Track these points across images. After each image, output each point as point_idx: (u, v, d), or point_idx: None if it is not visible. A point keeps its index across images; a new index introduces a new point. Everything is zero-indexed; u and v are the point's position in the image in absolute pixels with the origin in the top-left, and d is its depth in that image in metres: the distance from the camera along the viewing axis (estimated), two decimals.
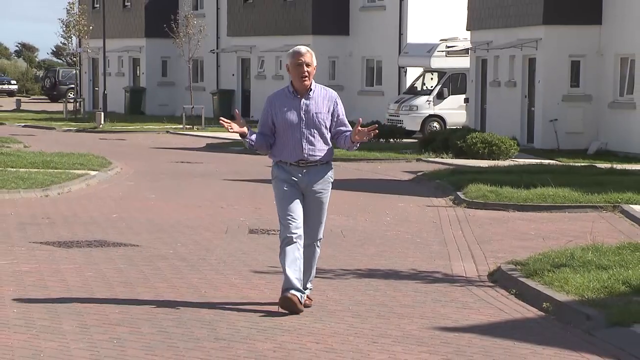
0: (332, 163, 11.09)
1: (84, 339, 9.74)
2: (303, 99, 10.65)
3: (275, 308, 10.86)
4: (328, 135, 10.76)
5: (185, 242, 16.15)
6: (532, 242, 16.62)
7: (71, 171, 26.23)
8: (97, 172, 26.68)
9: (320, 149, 10.70)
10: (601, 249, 14.06)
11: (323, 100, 10.70)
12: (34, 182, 23.20)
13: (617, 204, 20.85)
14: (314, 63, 10.58)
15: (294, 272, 10.53)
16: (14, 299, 11.51)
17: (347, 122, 10.90)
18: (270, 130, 10.73)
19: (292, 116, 10.63)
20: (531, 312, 11.56)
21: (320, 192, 10.80)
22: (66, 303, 11.38)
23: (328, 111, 10.72)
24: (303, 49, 10.59)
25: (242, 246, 15.72)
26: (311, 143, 10.64)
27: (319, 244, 11.06)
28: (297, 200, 10.68)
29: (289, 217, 10.60)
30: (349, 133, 10.76)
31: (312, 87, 10.67)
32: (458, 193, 22.98)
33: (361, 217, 18.94)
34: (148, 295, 11.90)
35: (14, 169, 25.97)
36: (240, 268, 13.83)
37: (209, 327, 10.34)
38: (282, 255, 10.61)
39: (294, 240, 10.56)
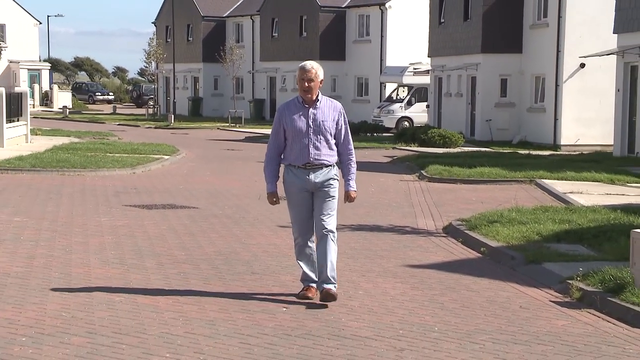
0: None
1: (160, 272, 9.77)
2: (311, 109, 8.54)
3: (289, 253, 10.74)
4: (333, 142, 8.62)
5: (231, 205, 16.16)
6: (473, 205, 16.63)
7: (151, 155, 26.30)
8: (169, 156, 26.73)
9: (325, 153, 8.56)
10: (521, 210, 14.09)
11: (329, 110, 8.60)
12: (125, 163, 23.27)
13: (533, 179, 20.88)
14: (319, 77, 8.55)
15: (309, 265, 8.64)
16: (112, 245, 11.55)
17: (350, 138, 8.79)
18: (282, 139, 8.59)
19: (301, 124, 8.51)
20: (473, 254, 11.57)
21: (327, 186, 8.58)
22: (148, 247, 11.41)
23: (333, 120, 8.58)
24: (308, 65, 8.58)
25: (271, 208, 15.66)
26: (317, 148, 8.53)
27: (332, 237, 8.56)
28: (306, 206, 8.64)
29: (299, 224, 8.64)
30: (349, 179, 8.83)
31: (319, 97, 8.59)
32: (422, 171, 23.00)
33: (342, 185, 18.90)
34: (205, 242, 11.92)
35: (111, 154, 26.05)
36: (269, 224, 13.84)
37: (247, 265, 10.35)
38: (296, 254, 8.76)
39: (303, 241, 8.66)
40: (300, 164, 8.55)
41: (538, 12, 36.27)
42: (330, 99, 8.75)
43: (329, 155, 8.62)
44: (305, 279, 8.69)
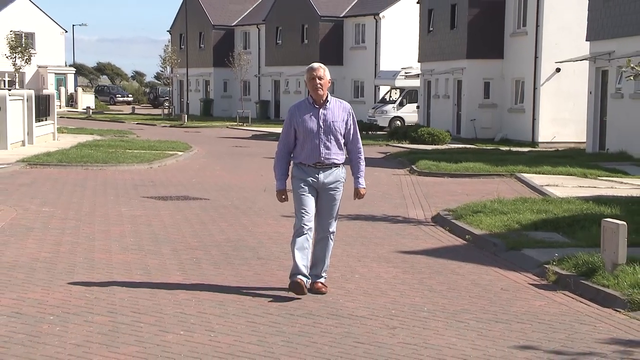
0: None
1: (175, 258, 9.78)
2: (321, 109, 8.00)
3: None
4: (342, 141, 8.10)
5: (238, 197, 16.16)
6: (459, 197, 16.64)
7: (166, 152, 26.30)
8: (182, 152, 26.72)
9: (335, 152, 8.04)
10: (503, 201, 14.09)
11: (339, 110, 8.06)
12: (142, 158, 23.26)
13: (513, 173, 20.88)
14: (327, 77, 8.08)
15: (302, 259, 7.93)
16: (131, 233, 11.56)
17: (359, 137, 8.25)
18: (292, 138, 8.10)
19: (312, 124, 7.96)
20: (458, 241, 11.58)
21: (334, 190, 8.11)
22: (164, 235, 11.42)
23: (343, 120, 8.04)
24: (316, 64, 8.15)
25: (276, 200, 15.68)
26: (327, 148, 7.99)
27: (332, 237, 8.24)
28: (311, 198, 8.06)
29: (302, 211, 7.99)
30: (358, 176, 8.33)
31: (328, 98, 8.07)
32: (412, 166, 23.00)
33: (350, 181, 18.91)
34: (215, 231, 11.92)
35: (130, 150, 26.04)
36: (274, 213, 13.85)
37: (253, 251, 10.35)
38: (293, 244, 8.01)
39: (305, 232, 7.96)
40: (311, 163, 8.05)
41: (518, 21, 36.28)
42: (339, 99, 8.21)
43: (339, 154, 8.10)
44: (296, 272, 7.92)
